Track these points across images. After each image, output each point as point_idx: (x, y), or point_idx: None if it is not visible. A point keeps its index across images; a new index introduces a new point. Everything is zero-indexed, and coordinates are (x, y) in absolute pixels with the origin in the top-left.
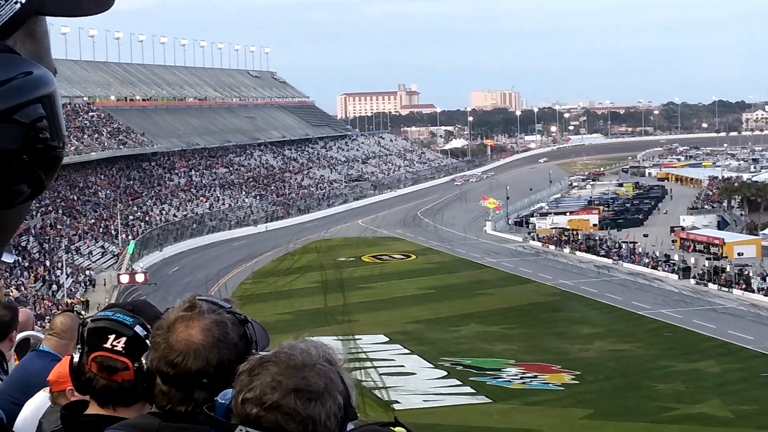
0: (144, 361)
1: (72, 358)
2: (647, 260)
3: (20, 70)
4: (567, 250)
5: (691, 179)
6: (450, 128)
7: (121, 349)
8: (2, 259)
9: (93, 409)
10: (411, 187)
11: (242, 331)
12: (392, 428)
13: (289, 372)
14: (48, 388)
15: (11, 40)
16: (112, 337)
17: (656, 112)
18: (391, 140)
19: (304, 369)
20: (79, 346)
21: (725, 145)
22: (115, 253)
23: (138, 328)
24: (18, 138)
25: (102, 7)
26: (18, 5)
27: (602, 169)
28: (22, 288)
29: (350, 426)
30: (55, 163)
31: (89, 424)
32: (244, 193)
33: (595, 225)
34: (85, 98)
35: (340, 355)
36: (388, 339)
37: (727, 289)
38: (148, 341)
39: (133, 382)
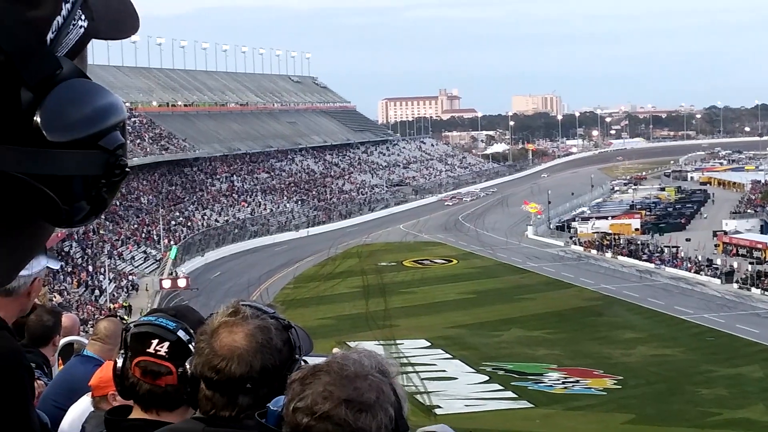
0: (188, 366)
1: (115, 363)
2: (689, 264)
3: (100, 97)
4: (609, 254)
5: (734, 183)
6: (491, 133)
7: (164, 354)
8: (48, 265)
9: (137, 413)
10: (452, 192)
11: (286, 337)
12: None
13: (341, 382)
14: (90, 393)
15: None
16: (155, 341)
17: (698, 115)
18: (432, 145)
19: (356, 380)
20: (122, 351)
21: None
22: (158, 258)
23: (181, 333)
24: (101, 164)
25: (134, 30)
26: (82, 29)
27: (644, 173)
28: (65, 293)
29: None
30: (120, 185)
31: (133, 428)
32: (285, 198)
33: (637, 229)
34: (127, 104)
35: (393, 367)
36: (429, 344)
37: None
38: (191, 346)
39: (176, 386)
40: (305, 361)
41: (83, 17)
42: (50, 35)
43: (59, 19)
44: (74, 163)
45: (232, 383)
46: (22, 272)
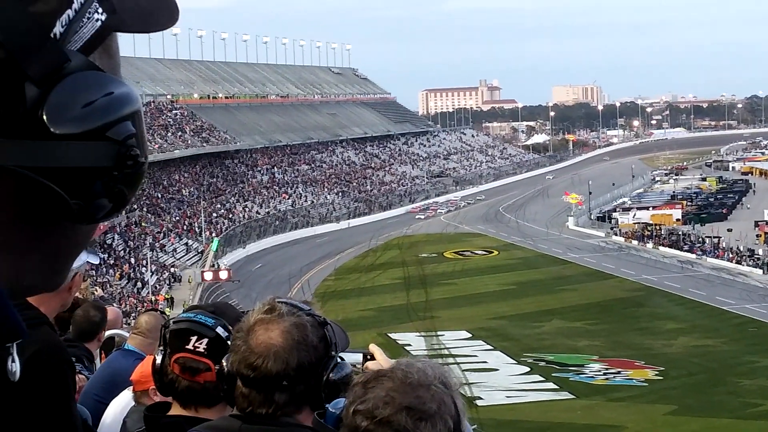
0: (224, 364)
1: (155, 359)
2: (731, 255)
3: (109, 88)
4: (650, 245)
5: None
6: (532, 123)
7: (203, 351)
8: (88, 260)
9: (175, 410)
10: (493, 183)
11: (322, 333)
12: None
13: (404, 389)
14: (131, 388)
15: (92, 57)
16: (194, 338)
17: (740, 105)
18: (472, 136)
19: (419, 388)
20: (161, 347)
21: None
22: (199, 251)
23: (220, 330)
24: (110, 156)
25: (171, 22)
26: (99, 23)
27: (685, 163)
28: (108, 286)
29: None
30: (139, 179)
31: (172, 425)
32: (326, 189)
33: (678, 220)
34: (168, 96)
35: (456, 379)
36: (470, 335)
37: None
38: (229, 342)
39: (215, 383)
40: (341, 358)
41: (100, 10)
42: (59, 29)
43: (69, 12)
44: (80, 155)
45: (268, 380)
46: None
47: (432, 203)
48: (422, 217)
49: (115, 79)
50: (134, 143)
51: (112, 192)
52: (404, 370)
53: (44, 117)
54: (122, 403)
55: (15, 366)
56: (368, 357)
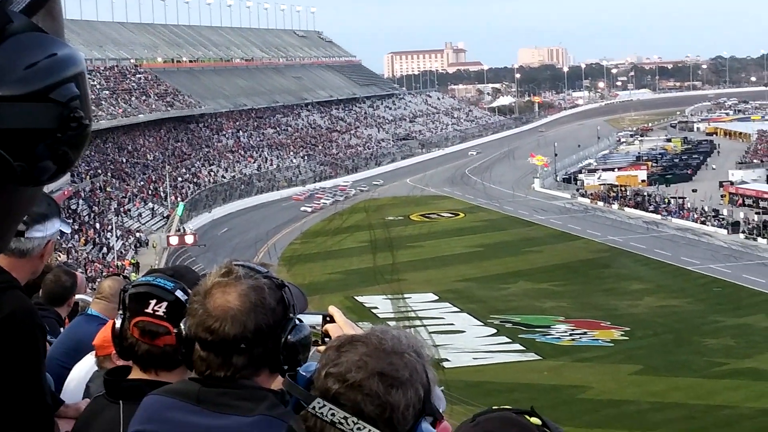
0: (182, 327)
1: (114, 323)
2: (696, 215)
3: (52, 50)
4: (615, 206)
5: (740, 134)
6: (497, 86)
7: (162, 314)
8: (61, 228)
9: (136, 374)
10: (458, 146)
11: (279, 296)
12: (528, 416)
13: (377, 354)
14: (94, 353)
15: (34, 19)
16: (153, 302)
17: (704, 66)
18: (438, 98)
19: (392, 355)
20: (121, 311)
21: None
22: (165, 215)
23: (179, 293)
24: (54, 117)
25: None
26: None
27: (650, 124)
28: (73, 251)
29: (425, 422)
30: (84, 141)
31: (131, 389)
32: (292, 153)
33: (643, 181)
34: (132, 60)
35: (428, 350)
36: (437, 297)
37: None
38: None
39: (174, 346)
40: (299, 320)
41: None
42: None
43: None
44: (23, 116)
45: (226, 344)
46: (36, 234)
47: (318, 190)
48: (309, 209)
49: (59, 41)
50: (78, 105)
51: (56, 154)
52: (379, 336)
53: None
54: (85, 368)
55: None
56: (327, 319)
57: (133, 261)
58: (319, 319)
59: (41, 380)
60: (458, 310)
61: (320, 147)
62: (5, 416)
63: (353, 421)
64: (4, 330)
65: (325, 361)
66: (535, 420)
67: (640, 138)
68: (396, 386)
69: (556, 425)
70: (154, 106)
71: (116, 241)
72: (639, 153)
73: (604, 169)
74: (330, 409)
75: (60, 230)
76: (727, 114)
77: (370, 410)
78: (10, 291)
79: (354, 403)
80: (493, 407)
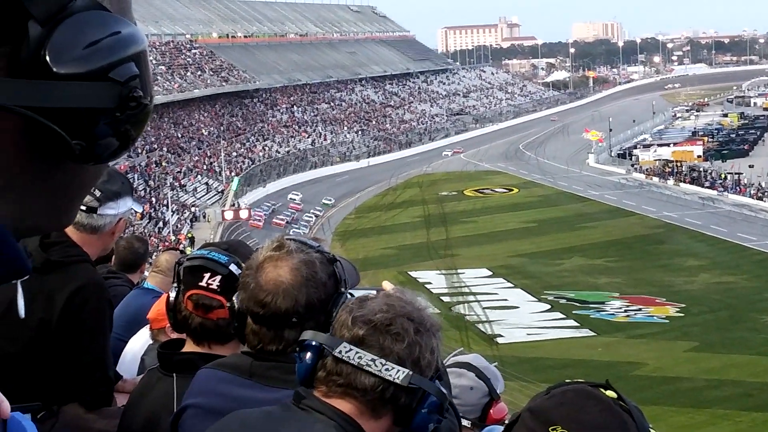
0: (235, 301)
1: (168, 296)
2: (753, 191)
3: (114, 28)
4: (671, 181)
5: None
6: (551, 60)
7: (216, 288)
8: (133, 207)
9: (189, 347)
10: (513, 120)
11: (331, 270)
12: (603, 390)
13: (400, 302)
14: (149, 326)
15: None
16: (207, 275)
17: (762, 40)
18: (492, 73)
19: (414, 306)
20: (175, 284)
21: None
22: (220, 190)
23: (233, 267)
24: (113, 96)
25: None
26: None
27: (706, 99)
28: (129, 225)
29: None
30: (144, 119)
31: (184, 362)
32: (345, 128)
33: (699, 156)
34: (187, 36)
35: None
36: (491, 273)
37: None
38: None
39: (228, 320)
40: (351, 294)
41: None
42: None
43: None
44: (82, 95)
45: (277, 317)
46: (108, 212)
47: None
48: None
49: (121, 19)
50: (137, 84)
51: (118, 132)
52: (397, 291)
53: (47, 57)
54: (140, 341)
55: (21, 303)
56: None
57: (188, 235)
58: (372, 293)
59: (106, 353)
60: (512, 285)
61: (374, 122)
62: (68, 386)
63: (381, 363)
64: (73, 302)
65: (347, 311)
66: (610, 393)
67: (696, 113)
68: (422, 331)
69: (630, 400)
70: (209, 82)
71: (172, 215)
72: (695, 128)
73: (659, 145)
74: (357, 352)
75: (132, 209)
76: None
77: (399, 349)
78: (81, 264)
79: (381, 345)
80: (567, 380)
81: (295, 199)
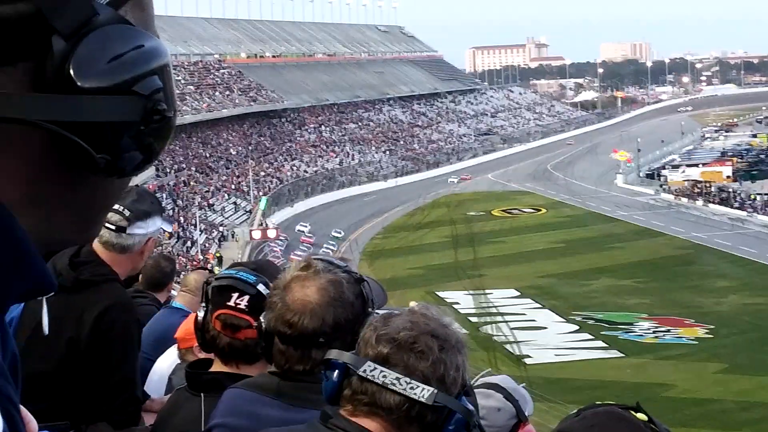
0: (262, 321)
1: (197, 316)
2: None
3: (137, 42)
4: (700, 202)
5: None
6: (580, 81)
7: (244, 307)
8: (162, 227)
9: (217, 366)
10: (541, 141)
11: (358, 290)
12: (633, 412)
13: (424, 319)
14: (177, 345)
15: (122, 10)
16: (235, 295)
17: None
18: (520, 93)
19: (438, 322)
20: (203, 304)
21: None
22: (248, 210)
23: (261, 287)
24: (136, 110)
25: None
26: None
27: (735, 120)
28: (158, 245)
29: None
30: (168, 132)
31: (212, 381)
32: (373, 148)
33: (728, 177)
34: (216, 56)
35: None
36: (519, 293)
37: None
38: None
39: (255, 340)
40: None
41: None
42: None
43: None
44: (106, 109)
45: (304, 338)
46: (137, 231)
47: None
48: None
49: (144, 32)
50: (161, 97)
51: (142, 145)
52: (423, 308)
53: (71, 71)
54: (168, 360)
55: (45, 319)
56: None
57: (217, 255)
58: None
59: (134, 372)
60: (540, 306)
61: (402, 142)
62: (97, 405)
63: (406, 381)
64: (102, 321)
65: (371, 329)
66: (641, 416)
67: (725, 134)
68: (446, 348)
69: (660, 422)
70: (237, 101)
71: (200, 234)
72: (724, 149)
73: (688, 165)
74: (381, 371)
75: (161, 228)
76: None
77: (424, 367)
78: (110, 284)
79: (406, 364)
80: (597, 402)
81: (303, 231)
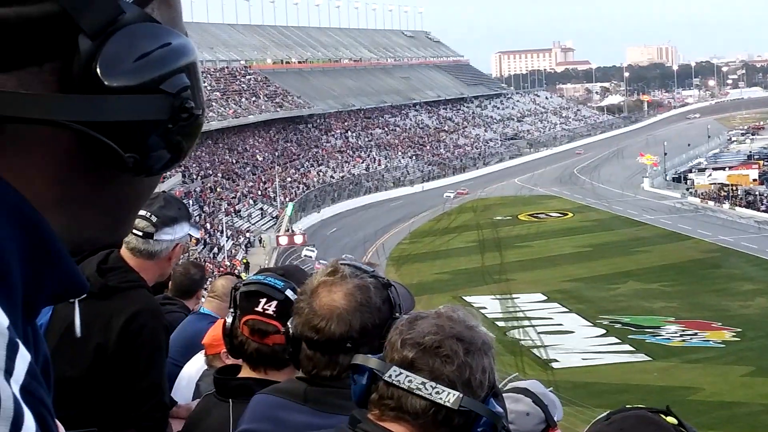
0: (289, 326)
1: (225, 321)
2: None
3: (164, 40)
4: (726, 205)
5: None
6: (606, 85)
7: (272, 313)
8: (190, 233)
9: (245, 372)
10: (567, 145)
11: (385, 295)
12: (663, 415)
13: (450, 323)
14: (204, 351)
15: (149, 8)
16: (263, 300)
17: None
18: (546, 98)
19: (464, 324)
20: (231, 309)
21: None
22: (274, 215)
23: (289, 292)
24: (164, 108)
25: None
26: None
27: (762, 123)
28: (186, 251)
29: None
30: (197, 130)
31: (240, 387)
32: (400, 153)
33: (755, 180)
34: (242, 62)
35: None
36: (545, 297)
37: None
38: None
39: (283, 345)
40: None
41: None
42: None
43: None
44: (134, 108)
45: (332, 343)
46: (165, 237)
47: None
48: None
49: (171, 30)
50: (188, 95)
51: (170, 143)
52: (449, 312)
53: (98, 70)
54: (196, 366)
55: (77, 322)
56: None
57: (243, 260)
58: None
59: (162, 378)
60: (567, 310)
61: (428, 147)
62: (125, 411)
63: (431, 386)
64: (130, 327)
65: (397, 333)
66: (671, 419)
67: (751, 137)
68: (472, 351)
69: (690, 426)
70: (263, 107)
71: (227, 240)
72: (750, 152)
73: (714, 168)
74: (407, 376)
75: (189, 234)
76: None
77: (449, 372)
78: (137, 290)
79: (431, 368)
80: (626, 406)
81: (311, 257)
